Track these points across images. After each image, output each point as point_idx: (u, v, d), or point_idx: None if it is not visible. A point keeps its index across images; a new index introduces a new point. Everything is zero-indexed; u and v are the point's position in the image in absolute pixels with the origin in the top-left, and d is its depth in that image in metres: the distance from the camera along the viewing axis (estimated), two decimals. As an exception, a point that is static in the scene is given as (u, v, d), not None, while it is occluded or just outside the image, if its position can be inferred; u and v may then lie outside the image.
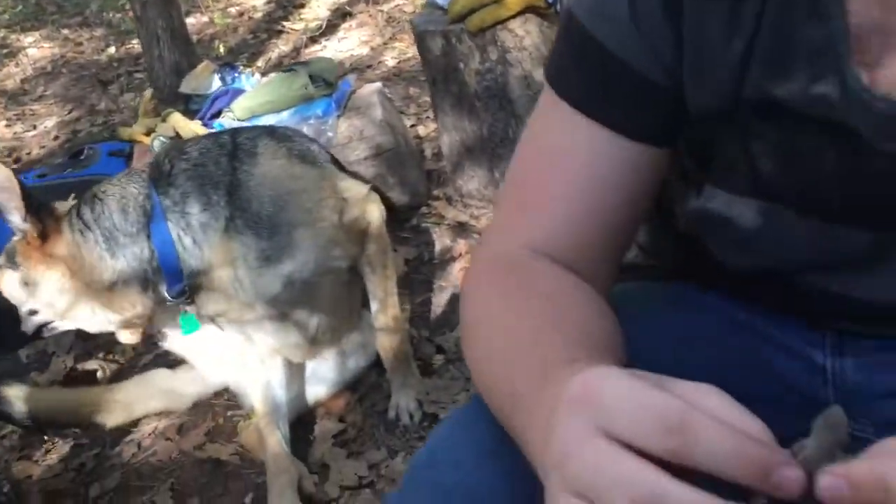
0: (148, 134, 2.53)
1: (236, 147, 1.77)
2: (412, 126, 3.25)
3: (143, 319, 1.73)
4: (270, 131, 1.91)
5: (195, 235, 1.63)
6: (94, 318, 1.68)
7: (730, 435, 0.44)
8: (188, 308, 1.70)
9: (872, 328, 0.83)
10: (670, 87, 0.77)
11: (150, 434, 2.15)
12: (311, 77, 2.53)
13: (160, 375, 2.18)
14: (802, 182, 0.76)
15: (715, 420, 0.44)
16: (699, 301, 0.91)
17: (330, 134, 2.47)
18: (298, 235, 1.72)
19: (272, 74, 2.77)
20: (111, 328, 1.73)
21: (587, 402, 0.47)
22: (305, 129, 2.39)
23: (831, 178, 0.74)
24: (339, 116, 2.52)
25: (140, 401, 2.14)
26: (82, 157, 2.55)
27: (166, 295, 1.64)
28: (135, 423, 2.17)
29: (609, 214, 0.79)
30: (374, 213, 1.91)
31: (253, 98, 2.57)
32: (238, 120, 2.52)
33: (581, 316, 0.71)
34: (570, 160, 0.79)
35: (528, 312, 0.71)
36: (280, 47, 4.62)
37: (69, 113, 4.55)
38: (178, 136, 2.47)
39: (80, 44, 5.55)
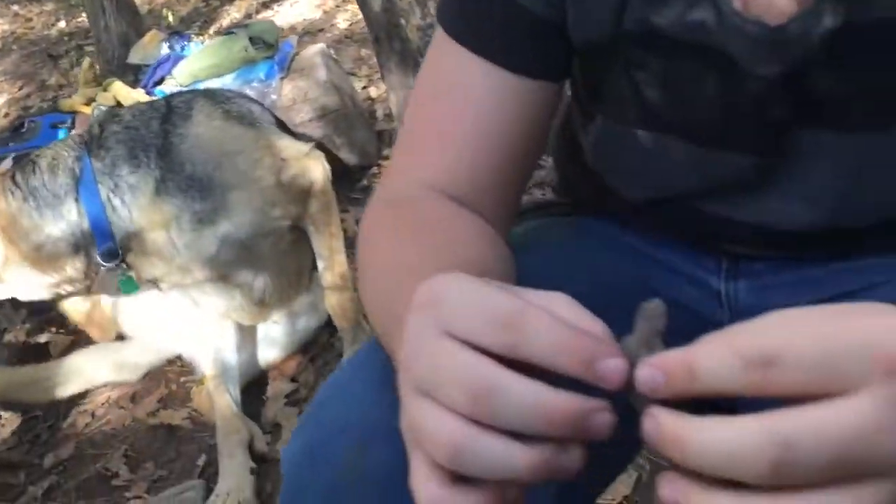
0: (88, 104, 2.50)
1: (170, 110, 1.75)
2: (364, 88, 3.23)
3: (80, 284, 1.72)
4: (208, 93, 1.89)
5: (124, 197, 1.62)
6: (28, 283, 1.68)
7: (560, 329, 0.44)
8: (126, 271, 1.69)
9: (763, 251, 0.85)
10: (554, 19, 0.77)
11: (103, 403, 2.15)
12: (251, 39, 2.51)
13: (112, 347, 2.17)
14: (685, 109, 0.77)
15: (549, 316, 0.44)
16: (603, 233, 0.92)
17: (274, 96, 2.46)
18: (233, 197, 1.71)
19: (213, 39, 2.74)
20: (45, 295, 1.72)
21: (431, 304, 0.47)
22: (248, 92, 2.37)
23: (712, 103, 0.75)
24: (282, 78, 2.50)
25: (92, 372, 2.14)
26: (24, 130, 2.52)
27: (99, 259, 1.64)
28: (87, 394, 2.17)
29: (501, 150, 0.80)
30: (317, 171, 1.90)
31: (194, 63, 2.54)
32: (181, 86, 2.50)
33: (465, 246, 0.71)
34: (459, 97, 0.79)
35: (412, 244, 0.71)
36: (232, 14, 4.56)
37: (20, 90, 4.49)
38: (119, 105, 2.44)
39: (30, 19, 5.46)
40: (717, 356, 0.40)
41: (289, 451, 0.74)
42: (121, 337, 2.14)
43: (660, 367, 0.42)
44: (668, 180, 0.84)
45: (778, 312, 0.43)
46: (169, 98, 1.84)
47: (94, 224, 1.60)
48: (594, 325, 0.46)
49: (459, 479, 0.45)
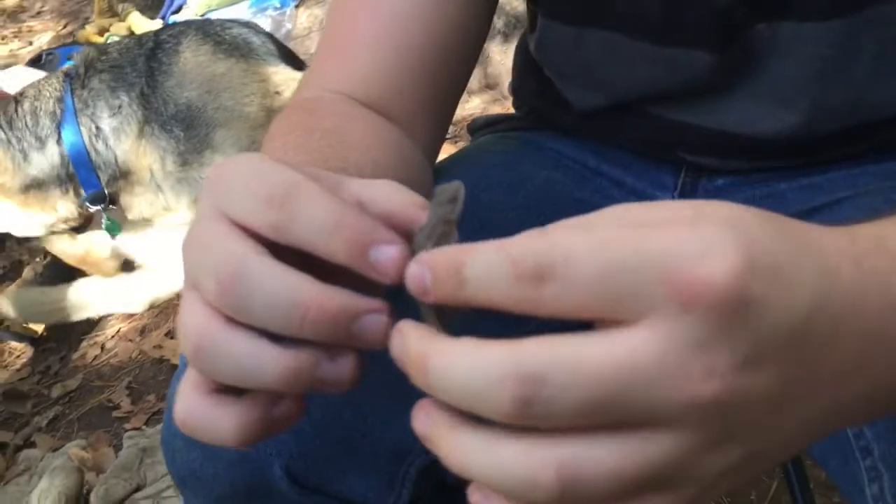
0: (102, 34, 2.46)
1: (157, 45, 1.69)
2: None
3: (76, 223, 1.69)
4: (201, 25, 1.82)
5: (107, 140, 1.58)
6: (20, 221, 1.65)
7: (334, 206, 0.36)
8: (110, 214, 1.66)
9: (726, 160, 0.75)
10: None
11: (112, 336, 2.14)
12: (265, -34, 2.42)
13: (120, 279, 2.16)
14: (645, 5, 0.69)
15: (326, 193, 0.37)
16: (551, 148, 0.84)
17: (288, 25, 2.38)
18: (219, 136, 1.65)
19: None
20: (42, 232, 1.70)
21: (213, 185, 0.40)
22: (262, 21, 2.30)
23: None
24: (297, 6, 2.42)
25: (100, 301, 2.13)
26: (42, 63, 2.49)
27: (87, 202, 1.61)
28: (99, 326, 2.17)
29: (418, 54, 0.72)
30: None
31: (209, -8, 2.48)
32: (196, 15, 2.44)
33: (361, 150, 0.64)
34: (377, 1, 0.71)
35: (301, 149, 0.64)
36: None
37: (64, 27, 4.49)
38: (132, 34, 2.40)
39: (75, -43, 5.45)
40: (488, 261, 0.32)
41: (174, 382, 0.68)
42: (128, 269, 2.13)
43: (429, 265, 0.34)
44: (619, 84, 0.75)
45: (596, 213, 0.35)
46: (159, 32, 1.78)
47: (76, 166, 1.56)
48: (411, 211, 0.39)
49: (224, 389, 0.38)
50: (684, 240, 0.30)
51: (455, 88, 0.77)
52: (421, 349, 0.32)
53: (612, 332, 0.30)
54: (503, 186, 0.78)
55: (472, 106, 2.44)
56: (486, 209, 0.75)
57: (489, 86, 2.41)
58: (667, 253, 0.30)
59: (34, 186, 1.60)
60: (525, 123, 0.89)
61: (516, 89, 0.92)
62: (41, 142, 1.58)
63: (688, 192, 0.78)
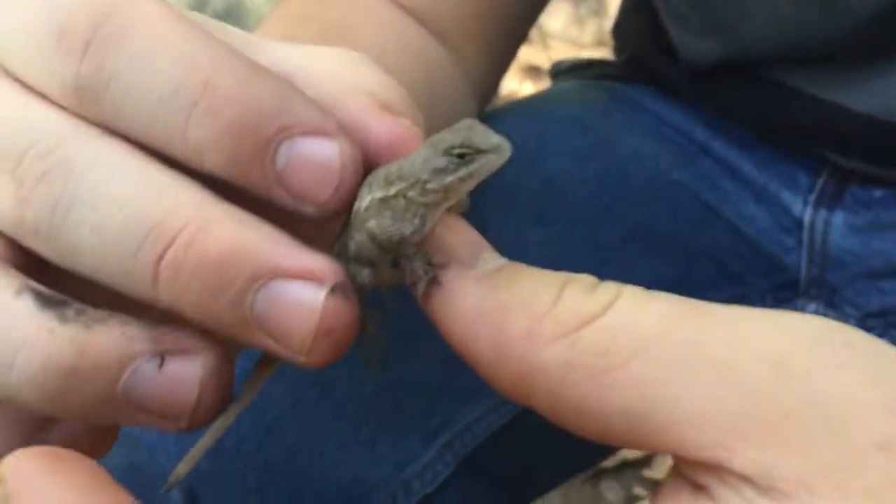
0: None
1: None
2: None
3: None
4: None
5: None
6: None
7: (194, 48, 0.23)
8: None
9: (888, 166, 0.53)
10: None
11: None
12: None
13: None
14: None
15: (176, 22, 0.23)
16: (655, 110, 0.62)
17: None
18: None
19: None
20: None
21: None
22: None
23: None
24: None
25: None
26: None
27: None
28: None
29: None
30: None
31: None
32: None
33: (365, 36, 0.46)
34: None
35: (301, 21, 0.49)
36: None
37: None
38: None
39: None
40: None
41: None
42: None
43: None
44: (743, 27, 0.54)
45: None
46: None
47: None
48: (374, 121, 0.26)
49: None
50: None
51: (515, 17, 0.57)
52: None
53: None
54: (572, 151, 0.58)
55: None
56: (543, 180, 0.56)
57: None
58: None
59: None
60: (622, 72, 0.67)
61: (619, 28, 0.71)
62: None
63: (829, 198, 0.56)
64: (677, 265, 0.57)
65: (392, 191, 0.25)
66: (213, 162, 0.23)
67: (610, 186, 0.57)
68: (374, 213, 0.25)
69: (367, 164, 0.25)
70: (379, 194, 0.25)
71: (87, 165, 0.22)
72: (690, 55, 0.58)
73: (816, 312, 0.57)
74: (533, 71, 2.30)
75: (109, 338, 0.22)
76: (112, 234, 0.22)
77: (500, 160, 0.25)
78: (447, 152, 0.24)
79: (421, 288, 0.24)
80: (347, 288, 0.23)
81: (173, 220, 0.22)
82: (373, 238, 0.25)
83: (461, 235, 0.25)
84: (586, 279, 0.23)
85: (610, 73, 0.69)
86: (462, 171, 0.24)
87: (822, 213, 0.56)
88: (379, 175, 0.25)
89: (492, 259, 0.24)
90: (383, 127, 0.25)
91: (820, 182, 0.56)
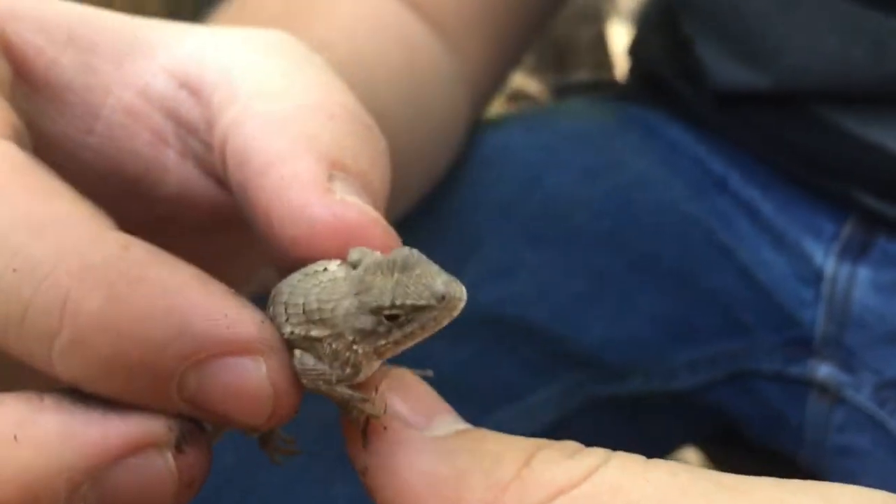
0: None
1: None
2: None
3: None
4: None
5: None
6: None
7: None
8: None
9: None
10: None
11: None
12: None
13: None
14: None
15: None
16: (670, 137, 0.57)
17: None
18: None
19: None
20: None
21: None
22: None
23: None
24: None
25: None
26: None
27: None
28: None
29: None
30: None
31: None
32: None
33: (337, 31, 0.41)
34: None
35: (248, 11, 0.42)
36: None
37: None
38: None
39: None
40: None
41: None
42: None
43: None
44: (793, 59, 0.49)
45: None
46: None
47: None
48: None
49: None
50: None
51: (524, 16, 0.52)
52: None
53: None
54: (579, 168, 0.53)
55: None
56: (544, 196, 0.51)
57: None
58: None
59: None
60: (634, 93, 0.62)
61: (636, 48, 0.66)
62: None
63: (855, 250, 0.51)
64: (681, 306, 0.52)
65: (314, 333, 0.19)
66: (102, 391, 0.16)
67: (615, 211, 0.52)
68: (296, 343, 0.19)
69: (303, 247, 0.19)
70: (299, 330, 0.19)
71: None
72: (720, 81, 0.53)
73: (830, 375, 0.52)
74: (520, 97, 2.26)
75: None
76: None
77: (448, 316, 0.19)
78: (375, 312, 0.19)
79: (359, 439, 0.19)
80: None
81: None
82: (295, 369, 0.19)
83: (411, 394, 0.19)
84: (567, 445, 0.18)
85: (622, 93, 0.64)
86: (395, 335, 0.19)
87: (847, 267, 0.51)
88: (297, 296, 0.19)
89: (450, 422, 0.19)
90: (329, 210, 0.19)
91: (846, 230, 0.51)
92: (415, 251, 0.19)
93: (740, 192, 0.54)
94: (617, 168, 0.53)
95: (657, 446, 0.55)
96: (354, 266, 0.19)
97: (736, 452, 0.60)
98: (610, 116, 0.59)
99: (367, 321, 0.18)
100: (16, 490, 0.15)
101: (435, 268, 0.19)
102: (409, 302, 0.18)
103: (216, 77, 0.19)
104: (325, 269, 0.19)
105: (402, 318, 0.19)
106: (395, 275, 0.18)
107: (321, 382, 0.19)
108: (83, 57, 0.19)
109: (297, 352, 0.19)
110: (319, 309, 0.19)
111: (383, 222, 0.19)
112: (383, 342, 0.19)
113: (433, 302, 0.18)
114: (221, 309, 0.16)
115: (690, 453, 1.04)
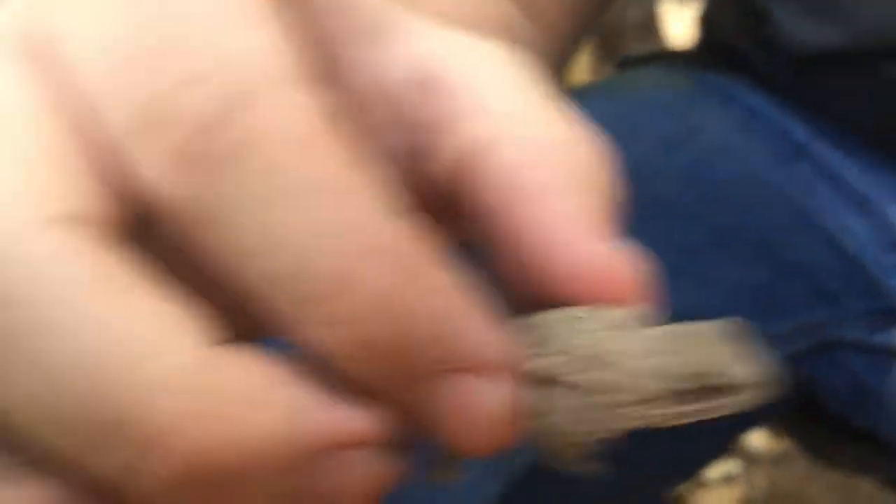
0: None
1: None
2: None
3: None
4: None
5: None
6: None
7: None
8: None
9: None
10: None
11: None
12: None
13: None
14: None
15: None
16: (748, 103, 0.56)
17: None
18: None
19: None
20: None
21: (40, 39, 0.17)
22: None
23: None
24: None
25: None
26: None
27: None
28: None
29: None
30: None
31: None
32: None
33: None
34: None
35: None
36: None
37: None
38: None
39: None
40: None
41: None
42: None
43: None
44: (872, 15, 0.49)
45: None
46: None
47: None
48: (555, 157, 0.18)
49: None
50: None
51: None
52: None
53: None
54: (661, 137, 0.52)
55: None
56: (628, 167, 0.49)
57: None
58: None
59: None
60: (708, 62, 0.61)
61: (708, 18, 0.65)
62: None
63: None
64: (764, 276, 0.51)
65: (576, 378, 0.17)
66: (339, 365, 0.16)
67: (698, 181, 0.51)
68: (540, 382, 0.17)
69: (563, 286, 0.18)
70: (558, 371, 0.17)
71: None
72: (798, 42, 0.52)
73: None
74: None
75: None
76: None
77: (748, 403, 0.17)
78: (675, 380, 0.16)
79: None
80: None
81: None
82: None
83: None
84: None
85: (694, 63, 0.63)
86: (674, 410, 0.17)
87: None
88: (566, 335, 0.17)
89: None
90: (606, 258, 0.18)
91: None
92: (732, 324, 0.17)
93: (821, 158, 0.53)
94: (697, 135, 0.52)
95: (738, 422, 0.55)
96: (638, 322, 0.17)
97: (814, 427, 0.59)
98: (686, 83, 0.58)
99: (656, 385, 0.16)
100: (232, 454, 0.14)
101: (746, 347, 0.16)
102: (724, 381, 0.16)
103: (458, 82, 0.18)
104: (595, 315, 0.17)
105: (694, 396, 0.16)
106: (703, 347, 0.16)
107: (553, 430, 0.17)
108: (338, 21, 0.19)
109: (545, 392, 0.17)
110: (600, 357, 0.17)
111: (652, 280, 0.18)
112: (657, 412, 0.17)
113: (749, 383, 0.16)
114: (491, 327, 0.16)
115: (761, 435, 1.02)
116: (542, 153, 0.18)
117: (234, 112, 0.15)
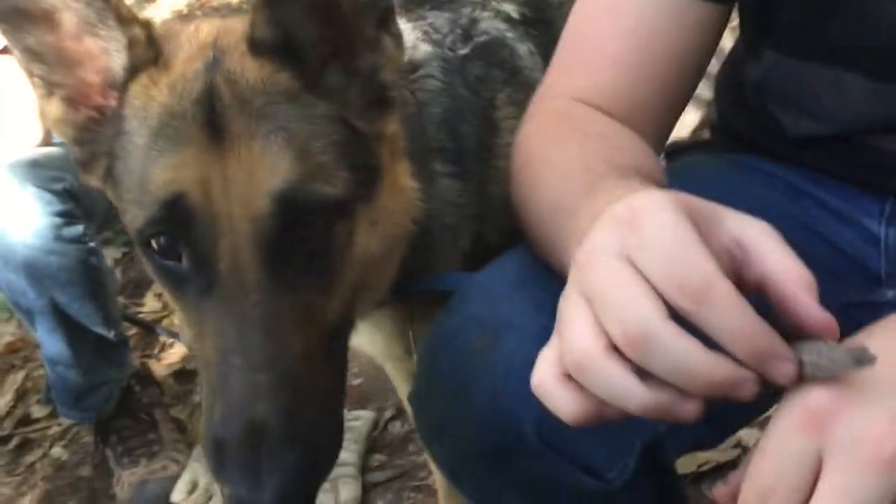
0: None
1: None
2: None
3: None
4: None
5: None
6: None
7: (740, 317, 0.44)
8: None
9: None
10: None
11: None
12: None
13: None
14: (867, 40, 0.74)
15: (736, 297, 0.44)
16: (759, 168, 0.88)
17: None
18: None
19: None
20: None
21: (627, 226, 0.48)
22: None
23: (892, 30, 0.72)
24: None
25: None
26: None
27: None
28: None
29: (657, 70, 0.79)
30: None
31: None
32: None
33: (631, 152, 0.71)
34: (621, 16, 0.79)
35: (579, 147, 0.72)
36: None
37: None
38: None
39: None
40: None
41: (427, 340, 0.77)
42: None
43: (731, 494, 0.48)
44: (841, 114, 0.79)
45: None
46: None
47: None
48: (801, 272, 0.46)
49: (573, 378, 0.47)
50: None
51: (686, 96, 0.83)
52: None
53: None
54: (715, 198, 0.84)
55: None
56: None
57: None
58: None
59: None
60: (730, 147, 0.95)
61: (722, 114, 0.99)
62: None
63: (894, 221, 0.83)
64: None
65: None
66: (738, 355, 0.45)
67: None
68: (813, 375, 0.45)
69: (806, 329, 0.45)
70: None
71: (668, 340, 0.44)
72: (795, 130, 0.82)
73: (893, 297, 0.83)
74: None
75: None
76: (674, 374, 0.45)
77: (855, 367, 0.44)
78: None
79: None
80: None
81: (697, 371, 0.45)
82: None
83: None
84: None
85: (720, 149, 0.96)
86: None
87: (893, 230, 0.82)
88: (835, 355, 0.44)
89: None
90: (819, 317, 0.45)
91: (888, 206, 0.82)
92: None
93: (815, 194, 0.85)
94: (739, 193, 0.81)
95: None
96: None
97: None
98: (722, 162, 0.90)
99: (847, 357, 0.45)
100: (689, 374, 0.44)
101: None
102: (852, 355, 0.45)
103: (752, 243, 0.47)
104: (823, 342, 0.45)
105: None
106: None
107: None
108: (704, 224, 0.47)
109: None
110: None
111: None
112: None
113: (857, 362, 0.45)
114: (783, 344, 0.45)
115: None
116: (789, 270, 0.46)
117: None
